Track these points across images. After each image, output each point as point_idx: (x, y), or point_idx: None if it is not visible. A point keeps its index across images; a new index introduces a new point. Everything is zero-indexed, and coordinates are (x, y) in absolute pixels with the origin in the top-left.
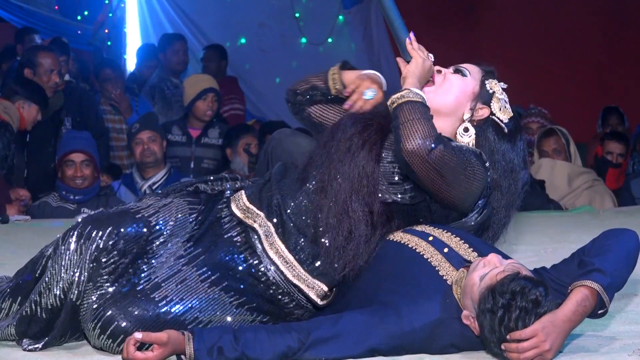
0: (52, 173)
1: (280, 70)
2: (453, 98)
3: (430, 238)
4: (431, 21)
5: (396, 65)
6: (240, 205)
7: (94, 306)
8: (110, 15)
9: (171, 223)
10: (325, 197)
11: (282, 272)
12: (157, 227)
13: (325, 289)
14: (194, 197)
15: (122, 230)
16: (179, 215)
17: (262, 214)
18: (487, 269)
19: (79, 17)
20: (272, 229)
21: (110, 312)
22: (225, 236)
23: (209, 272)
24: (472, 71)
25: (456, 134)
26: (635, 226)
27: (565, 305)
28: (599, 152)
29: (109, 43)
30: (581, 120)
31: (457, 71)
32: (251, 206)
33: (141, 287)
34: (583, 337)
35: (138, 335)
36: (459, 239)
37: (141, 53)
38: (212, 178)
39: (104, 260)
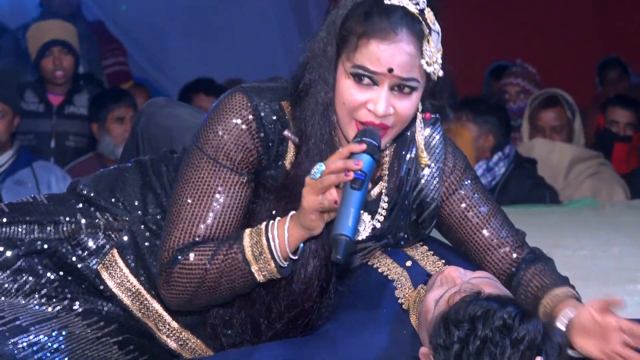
0: None
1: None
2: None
3: (389, 248)
4: None
5: None
6: (118, 278)
7: None
8: None
9: None
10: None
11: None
12: None
13: None
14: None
15: None
16: None
17: (159, 307)
18: (444, 289)
19: None
20: (186, 336)
21: None
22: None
23: (102, 322)
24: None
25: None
26: None
27: None
28: (601, 123)
29: None
30: (576, 77)
31: (398, 89)
32: (140, 288)
33: None
34: None
35: None
36: (426, 248)
37: None
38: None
39: None
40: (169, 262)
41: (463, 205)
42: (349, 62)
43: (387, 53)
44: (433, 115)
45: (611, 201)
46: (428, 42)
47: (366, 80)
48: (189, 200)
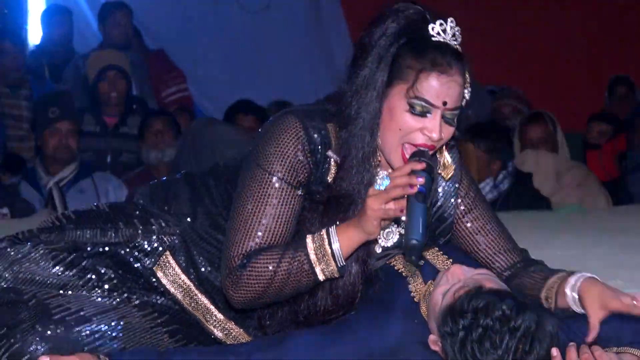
0: None
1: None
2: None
3: None
4: None
5: (350, 40)
6: (171, 276)
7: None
8: None
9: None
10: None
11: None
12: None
13: None
14: (59, 240)
15: None
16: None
17: (207, 302)
18: (450, 284)
19: None
20: (232, 326)
21: (19, 339)
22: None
23: (155, 314)
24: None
25: None
26: (630, 229)
27: None
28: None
29: (5, 11)
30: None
31: (447, 122)
32: (190, 285)
33: (58, 316)
34: None
35: (44, 358)
36: (437, 249)
37: (48, 17)
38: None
39: None
40: (237, 267)
41: (473, 224)
42: (410, 92)
43: (444, 87)
44: (449, 141)
45: (596, 207)
46: (468, 73)
47: (419, 109)
48: (250, 209)
